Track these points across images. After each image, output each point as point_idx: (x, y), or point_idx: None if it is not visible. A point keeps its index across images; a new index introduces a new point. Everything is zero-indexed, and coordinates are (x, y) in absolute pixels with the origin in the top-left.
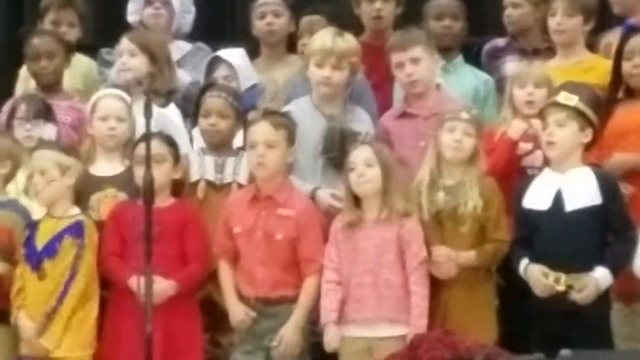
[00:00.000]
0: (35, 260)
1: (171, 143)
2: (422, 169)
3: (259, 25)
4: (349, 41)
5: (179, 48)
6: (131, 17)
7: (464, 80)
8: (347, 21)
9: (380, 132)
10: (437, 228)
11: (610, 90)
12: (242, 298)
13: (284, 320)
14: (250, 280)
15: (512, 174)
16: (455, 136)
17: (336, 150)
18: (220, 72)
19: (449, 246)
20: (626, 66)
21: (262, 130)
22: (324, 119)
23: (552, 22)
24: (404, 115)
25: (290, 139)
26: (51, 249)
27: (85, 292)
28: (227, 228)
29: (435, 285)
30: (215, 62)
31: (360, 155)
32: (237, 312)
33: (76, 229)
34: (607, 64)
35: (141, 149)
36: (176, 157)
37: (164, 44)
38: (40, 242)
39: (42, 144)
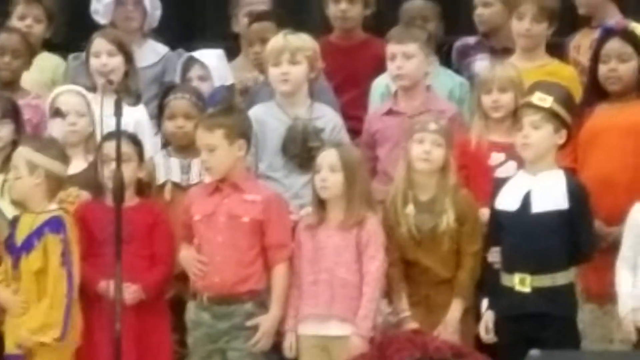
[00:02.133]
0: (15, 258)
1: (136, 142)
2: (394, 182)
3: (243, 22)
4: (302, 37)
5: (155, 51)
6: (101, 17)
7: (440, 82)
8: (295, 24)
9: (365, 130)
10: (415, 247)
11: (586, 92)
12: (194, 297)
13: (239, 321)
14: (205, 273)
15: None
16: (424, 147)
17: (297, 149)
18: (194, 72)
19: (428, 264)
20: (602, 69)
21: (200, 135)
22: (288, 119)
23: (519, 26)
24: (390, 112)
25: (232, 135)
26: (28, 244)
27: None
28: (187, 217)
29: (417, 284)
30: (189, 62)
31: (326, 159)
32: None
33: (55, 224)
34: (569, 70)
35: (107, 147)
36: (141, 156)
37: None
38: (19, 238)
39: (24, 139)
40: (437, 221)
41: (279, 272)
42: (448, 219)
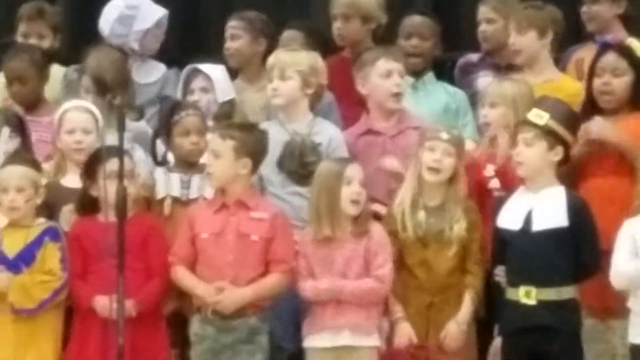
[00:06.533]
0: (13, 270)
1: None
2: (403, 188)
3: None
4: (294, 54)
5: (156, 68)
6: (115, 39)
7: (434, 96)
8: (324, 38)
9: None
10: (421, 250)
11: (584, 107)
12: (198, 310)
13: (243, 335)
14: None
15: (480, 195)
16: (435, 156)
17: (294, 165)
18: (197, 83)
19: (434, 268)
20: (596, 83)
21: (212, 139)
22: (287, 134)
23: (509, 44)
24: (368, 132)
25: (241, 151)
26: (28, 256)
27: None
28: (190, 235)
29: (420, 291)
30: (192, 73)
31: (356, 173)
32: (207, 290)
33: (53, 233)
34: (576, 86)
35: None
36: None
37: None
38: (10, 250)
39: (13, 159)
40: (445, 225)
41: (271, 278)
42: (460, 226)
